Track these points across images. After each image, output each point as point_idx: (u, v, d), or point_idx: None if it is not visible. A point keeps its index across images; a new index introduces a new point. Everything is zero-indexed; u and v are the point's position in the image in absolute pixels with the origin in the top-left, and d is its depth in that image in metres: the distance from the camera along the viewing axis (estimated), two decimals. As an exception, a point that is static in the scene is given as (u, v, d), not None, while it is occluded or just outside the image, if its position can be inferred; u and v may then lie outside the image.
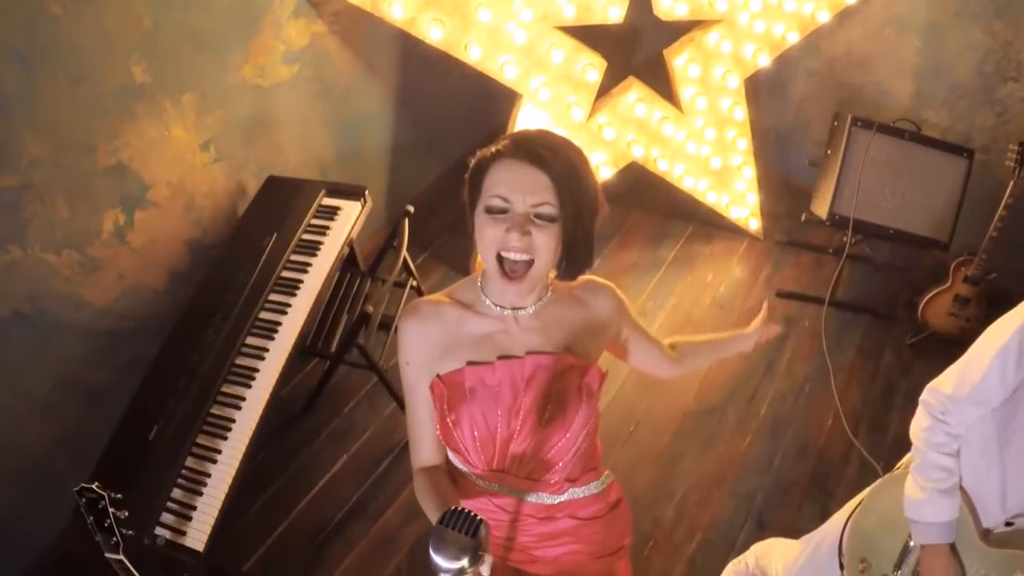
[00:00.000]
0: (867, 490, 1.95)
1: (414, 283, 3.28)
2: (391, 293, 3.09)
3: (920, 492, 1.72)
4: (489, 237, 1.34)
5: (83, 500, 1.83)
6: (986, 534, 1.73)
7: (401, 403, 3.10)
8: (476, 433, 1.49)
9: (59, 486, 2.70)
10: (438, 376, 1.48)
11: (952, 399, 1.65)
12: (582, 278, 1.50)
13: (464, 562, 1.16)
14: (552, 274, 1.47)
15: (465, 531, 1.18)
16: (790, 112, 4.11)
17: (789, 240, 4.05)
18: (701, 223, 4.11)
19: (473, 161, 1.39)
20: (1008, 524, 1.70)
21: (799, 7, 3.45)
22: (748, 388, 3.40)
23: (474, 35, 3.03)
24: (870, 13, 3.60)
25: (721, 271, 3.94)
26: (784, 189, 4.17)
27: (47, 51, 2.27)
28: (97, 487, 1.81)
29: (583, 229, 1.38)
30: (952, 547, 1.73)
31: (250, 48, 2.88)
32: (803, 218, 3.59)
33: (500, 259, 1.35)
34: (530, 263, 1.35)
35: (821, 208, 3.44)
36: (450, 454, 1.60)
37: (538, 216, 1.32)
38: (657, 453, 3.17)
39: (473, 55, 3.07)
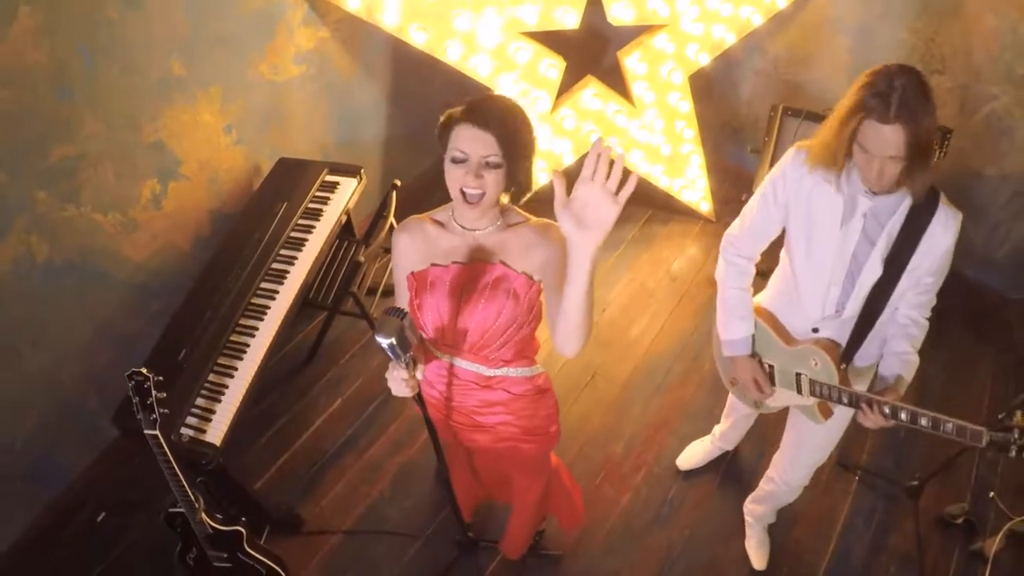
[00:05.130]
0: None
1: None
2: (382, 259, 3.61)
3: (723, 317, 2.40)
4: (454, 178, 1.84)
5: (132, 383, 2.34)
6: (789, 341, 2.34)
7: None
8: (431, 315, 2.02)
9: (90, 422, 3.24)
10: (411, 273, 2.02)
11: (737, 237, 2.31)
12: (547, 221, 1.97)
13: (393, 338, 1.71)
14: (505, 199, 1.96)
15: (398, 317, 1.73)
16: (742, 108, 4.61)
17: (739, 223, 4.54)
18: (660, 208, 4.62)
19: (442, 118, 1.89)
20: (815, 331, 2.28)
21: (735, 12, 3.95)
22: (693, 348, 3.89)
23: (452, 39, 3.59)
24: (806, 17, 4.09)
25: (676, 249, 4.45)
26: (737, 178, 4.64)
27: (105, 47, 2.80)
28: (145, 371, 2.33)
29: (523, 167, 1.88)
30: (752, 355, 2.40)
31: (267, 50, 3.43)
32: (744, 198, 4.06)
33: (463, 192, 1.86)
34: (483, 194, 1.85)
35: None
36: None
37: (487, 164, 1.82)
38: (610, 400, 3.66)
39: (451, 56, 3.63)
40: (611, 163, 1.46)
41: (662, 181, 4.37)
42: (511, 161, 1.82)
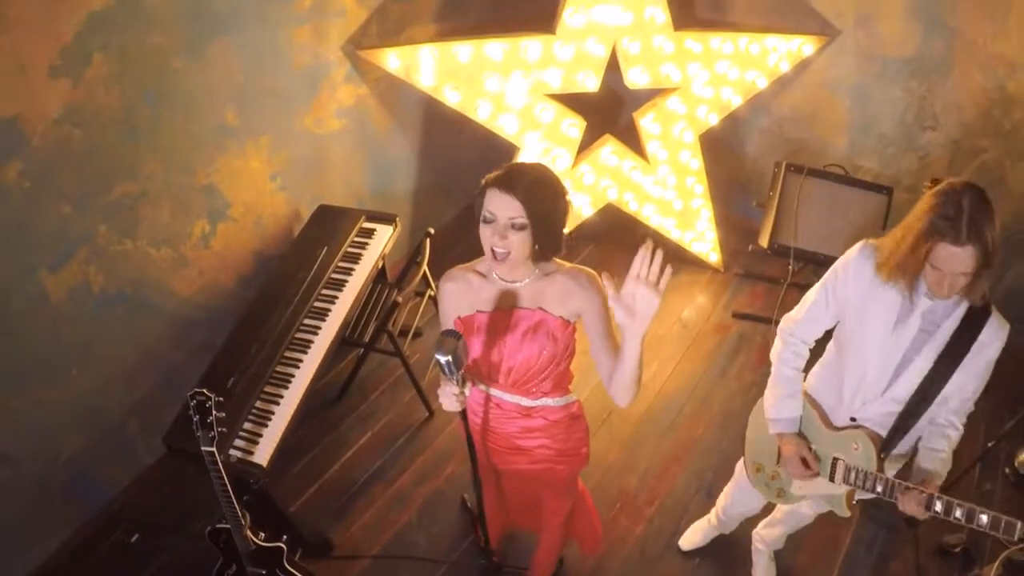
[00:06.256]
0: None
1: (431, 293, 4.02)
2: (412, 302, 3.84)
3: (773, 397, 2.50)
4: (485, 237, 2.06)
5: (194, 402, 2.54)
6: (831, 426, 2.46)
7: (420, 391, 3.86)
8: (478, 356, 2.24)
9: (128, 445, 3.42)
10: (459, 317, 2.24)
11: (795, 320, 2.44)
12: (579, 268, 2.19)
13: (450, 356, 1.91)
14: (529, 260, 2.15)
15: (454, 338, 1.94)
16: (748, 164, 4.91)
17: (746, 273, 4.81)
18: (671, 259, 4.74)
19: (481, 183, 2.10)
20: (852, 420, 2.42)
21: (742, 75, 4.28)
22: (703, 390, 4.09)
23: (483, 99, 3.89)
24: (807, 79, 4.40)
25: (686, 297, 4.69)
26: (743, 230, 4.86)
27: (169, 95, 3.07)
28: (206, 392, 2.53)
29: (548, 230, 2.06)
30: (799, 434, 2.48)
31: (312, 104, 3.72)
32: (750, 248, 4.33)
33: (492, 250, 2.07)
34: (508, 254, 2.06)
35: (764, 239, 4.18)
36: None
37: (512, 226, 2.02)
38: (625, 437, 3.84)
39: (481, 114, 3.92)
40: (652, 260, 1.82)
41: (673, 233, 4.65)
42: (536, 224, 1.98)
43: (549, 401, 2.35)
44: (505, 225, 1.98)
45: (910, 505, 2.20)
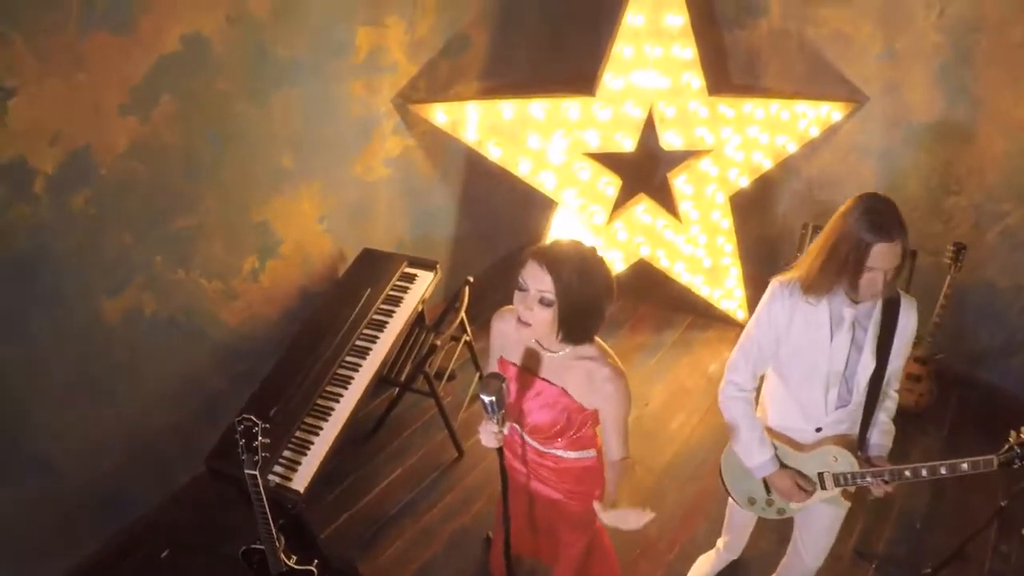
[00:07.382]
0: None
1: (467, 338, 4.15)
2: (448, 345, 3.99)
3: (744, 448, 2.65)
4: (516, 302, 2.17)
5: (241, 426, 2.68)
6: (802, 447, 2.61)
7: (452, 432, 4.02)
8: (509, 400, 2.34)
9: (166, 466, 3.56)
10: (502, 357, 2.40)
11: (739, 373, 2.59)
12: (611, 363, 2.21)
13: (494, 397, 2.04)
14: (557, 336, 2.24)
15: (499, 381, 2.07)
16: (777, 224, 5.01)
17: (772, 331, 4.88)
18: (700, 315, 5.00)
19: (523, 253, 2.22)
20: (818, 430, 2.57)
21: (772, 140, 4.43)
22: (725, 443, 4.12)
23: (524, 155, 4.08)
24: (836, 143, 4.52)
25: (714, 353, 4.78)
26: None
27: (231, 136, 3.27)
28: (254, 418, 2.68)
29: (574, 316, 2.08)
30: (783, 466, 2.61)
31: (363, 153, 3.93)
32: (777, 307, 4.44)
33: (519, 317, 2.18)
34: (531, 325, 2.16)
35: (790, 300, 4.28)
36: None
37: (541, 300, 2.12)
38: (647, 486, 3.91)
39: (522, 170, 4.11)
40: None
41: (702, 290, 4.78)
42: (563, 303, 2.05)
43: (561, 453, 2.47)
44: (534, 297, 2.06)
45: (883, 488, 2.44)
